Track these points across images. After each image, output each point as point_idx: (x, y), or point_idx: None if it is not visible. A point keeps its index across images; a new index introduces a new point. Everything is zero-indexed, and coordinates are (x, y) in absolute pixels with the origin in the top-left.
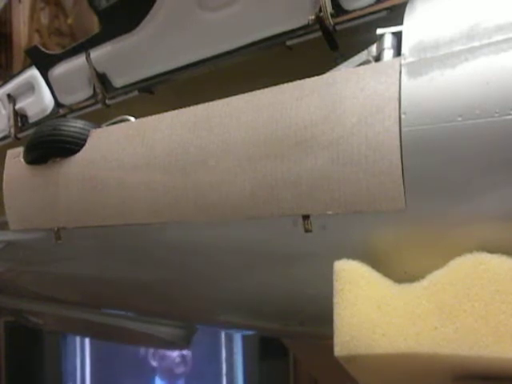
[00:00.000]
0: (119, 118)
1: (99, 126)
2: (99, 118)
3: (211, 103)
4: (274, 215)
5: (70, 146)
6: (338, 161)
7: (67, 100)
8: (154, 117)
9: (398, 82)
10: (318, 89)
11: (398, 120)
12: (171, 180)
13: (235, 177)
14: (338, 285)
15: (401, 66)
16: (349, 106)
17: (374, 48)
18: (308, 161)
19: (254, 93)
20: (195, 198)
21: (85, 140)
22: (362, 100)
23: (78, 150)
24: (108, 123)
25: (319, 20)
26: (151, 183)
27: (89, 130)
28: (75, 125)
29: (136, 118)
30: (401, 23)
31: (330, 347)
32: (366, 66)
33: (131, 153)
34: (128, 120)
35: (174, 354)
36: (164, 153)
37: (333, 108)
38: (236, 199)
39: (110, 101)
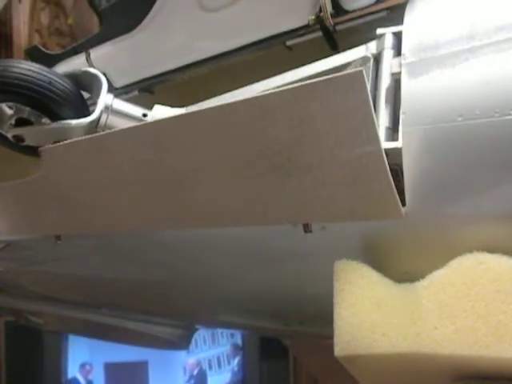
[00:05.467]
0: (82, 68)
1: (58, 74)
2: None
3: (166, 119)
4: (270, 224)
5: (19, 90)
6: (324, 182)
7: None
8: (108, 134)
9: (367, 97)
10: (279, 105)
11: (378, 141)
12: (149, 199)
13: (219, 196)
14: (338, 285)
15: (399, 69)
16: (319, 127)
17: (373, 45)
18: (291, 183)
19: (209, 107)
20: (180, 213)
21: (40, 86)
22: (332, 120)
23: (31, 97)
24: (69, 72)
25: (319, 20)
26: (130, 202)
27: (46, 76)
28: (28, 67)
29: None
30: (401, 23)
31: (330, 347)
32: (327, 79)
33: (98, 175)
34: (90, 72)
35: None
36: (134, 175)
37: (302, 130)
38: (225, 213)
39: None
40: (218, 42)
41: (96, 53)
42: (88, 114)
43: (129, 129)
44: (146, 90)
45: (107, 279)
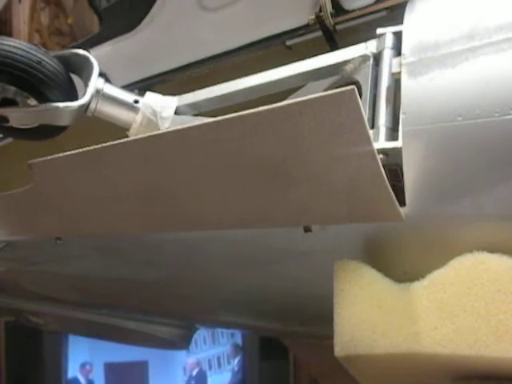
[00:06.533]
0: (72, 50)
1: (48, 55)
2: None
3: (158, 134)
4: (269, 227)
5: (7, 69)
6: (323, 191)
7: None
8: (100, 149)
9: (360, 114)
10: (271, 122)
11: (375, 155)
12: (146, 207)
13: (217, 203)
14: (338, 285)
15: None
16: (313, 143)
17: (373, 44)
18: (291, 192)
19: (201, 122)
20: (178, 221)
21: (29, 66)
22: (325, 137)
23: (19, 76)
24: (58, 54)
25: (319, 20)
26: (127, 210)
27: (36, 56)
28: (17, 45)
29: None
30: (401, 23)
31: (330, 347)
32: (317, 97)
33: (90, 187)
34: (81, 54)
35: None
36: (126, 189)
37: (296, 145)
38: (224, 218)
39: None
40: (218, 41)
41: (96, 53)
42: (76, 97)
43: (122, 143)
44: (145, 90)
45: (107, 279)
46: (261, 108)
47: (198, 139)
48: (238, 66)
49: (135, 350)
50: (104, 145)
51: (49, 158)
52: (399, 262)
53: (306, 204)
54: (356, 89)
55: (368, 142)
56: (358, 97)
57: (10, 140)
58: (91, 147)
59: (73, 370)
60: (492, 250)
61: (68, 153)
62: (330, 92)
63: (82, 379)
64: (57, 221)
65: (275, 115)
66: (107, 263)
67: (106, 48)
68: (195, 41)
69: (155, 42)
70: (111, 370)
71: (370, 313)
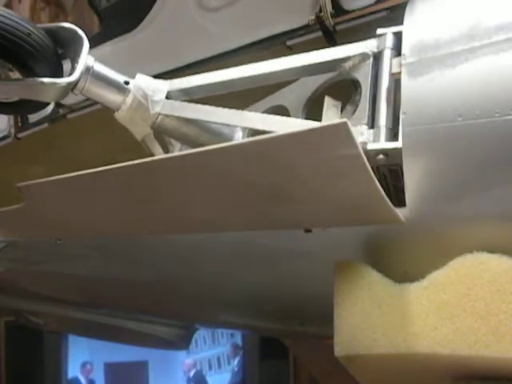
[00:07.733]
0: (60, 24)
1: (37, 27)
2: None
3: (151, 161)
4: (268, 229)
5: None
6: (321, 208)
7: (67, 100)
8: (93, 173)
9: (354, 142)
10: (265, 152)
11: (371, 175)
12: (144, 217)
13: (217, 213)
14: (338, 285)
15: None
16: (308, 171)
17: (373, 43)
18: (289, 210)
19: (195, 150)
20: (178, 224)
21: (18, 37)
22: (320, 166)
23: (6, 47)
24: (46, 26)
25: (319, 20)
26: (124, 217)
27: (26, 27)
28: (6, 14)
29: None
30: (401, 23)
31: (330, 347)
32: (310, 130)
33: (85, 202)
34: (70, 28)
35: None
36: (120, 204)
37: (292, 172)
38: (224, 223)
39: None
40: (218, 41)
41: (96, 53)
42: (61, 74)
43: (118, 168)
44: None
45: (107, 279)
46: (256, 138)
47: (195, 165)
48: (238, 66)
49: (135, 350)
50: (100, 169)
51: (37, 181)
52: (399, 262)
53: (306, 212)
54: (348, 122)
55: (363, 165)
56: (351, 128)
57: (10, 140)
58: (82, 172)
59: (73, 370)
60: (492, 250)
61: (57, 177)
62: (322, 125)
63: (82, 379)
64: (55, 225)
65: (270, 145)
66: (107, 263)
67: (106, 48)
68: (195, 41)
69: (155, 42)
70: (111, 369)
71: (370, 313)
